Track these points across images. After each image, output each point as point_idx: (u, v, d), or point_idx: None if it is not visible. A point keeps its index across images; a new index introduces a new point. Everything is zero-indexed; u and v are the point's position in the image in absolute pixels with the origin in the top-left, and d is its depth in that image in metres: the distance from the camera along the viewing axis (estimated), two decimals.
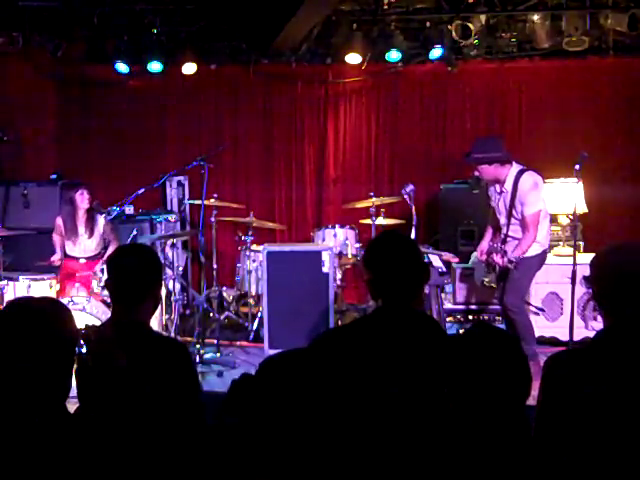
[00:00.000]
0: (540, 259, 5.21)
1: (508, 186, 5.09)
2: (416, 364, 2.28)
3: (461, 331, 6.11)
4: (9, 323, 1.95)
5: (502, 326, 5.76)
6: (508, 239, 5.17)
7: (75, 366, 2.06)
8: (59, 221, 6.01)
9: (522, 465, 1.82)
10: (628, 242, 2.32)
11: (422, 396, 2.23)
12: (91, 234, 6.00)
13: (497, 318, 6.06)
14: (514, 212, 5.11)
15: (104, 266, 5.55)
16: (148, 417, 2.28)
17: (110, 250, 5.98)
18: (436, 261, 5.31)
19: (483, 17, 6.98)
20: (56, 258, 6.00)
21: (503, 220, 5.22)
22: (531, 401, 2.05)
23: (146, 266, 2.58)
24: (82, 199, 5.92)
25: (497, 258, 5.03)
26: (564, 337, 5.79)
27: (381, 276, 2.46)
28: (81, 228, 5.97)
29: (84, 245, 6.00)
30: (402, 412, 2.27)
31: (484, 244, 5.40)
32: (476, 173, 5.25)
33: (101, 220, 6.02)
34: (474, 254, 6.20)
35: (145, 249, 2.77)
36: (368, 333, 2.44)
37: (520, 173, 5.05)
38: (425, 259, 5.03)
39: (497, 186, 5.22)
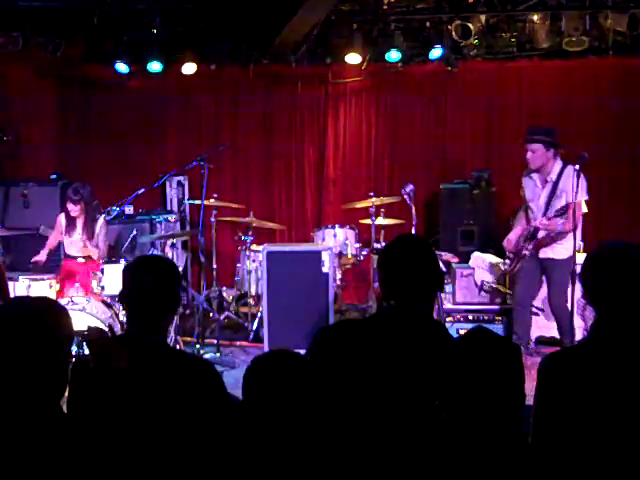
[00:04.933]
0: (573, 261, 5.30)
1: (554, 176, 5.22)
2: (417, 367, 2.28)
3: (462, 332, 6.11)
4: (2, 322, 1.94)
5: (501, 326, 5.79)
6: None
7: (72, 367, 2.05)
8: (61, 218, 5.97)
9: (514, 470, 1.82)
10: (619, 241, 2.32)
11: (419, 399, 2.23)
12: (91, 238, 5.85)
13: (497, 318, 6.06)
14: (555, 202, 5.21)
15: (104, 266, 5.56)
16: (169, 430, 2.21)
17: (100, 252, 5.85)
18: None
19: (483, 17, 6.99)
20: (38, 258, 5.86)
21: (539, 215, 5.32)
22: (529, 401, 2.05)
23: (174, 283, 2.47)
24: (71, 210, 5.81)
25: (539, 221, 5.20)
26: None
27: (392, 277, 2.46)
28: (79, 228, 5.92)
29: (83, 245, 5.93)
30: (400, 414, 2.27)
31: (512, 236, 5.52)
32: (528, 155, 5.26)
33: (99, 222, 5.91)
34: (474, 254, 6.20)
35: (169, 263, 2.62)
36: (373, 332, 2.44)
37: (565, 165, 5.23)
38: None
39: (537, 179, 5.34)
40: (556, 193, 5.23)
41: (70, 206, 5.79)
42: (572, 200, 5.05)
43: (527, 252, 5.39)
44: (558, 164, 5.27)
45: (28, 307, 2.01)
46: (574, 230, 5.00)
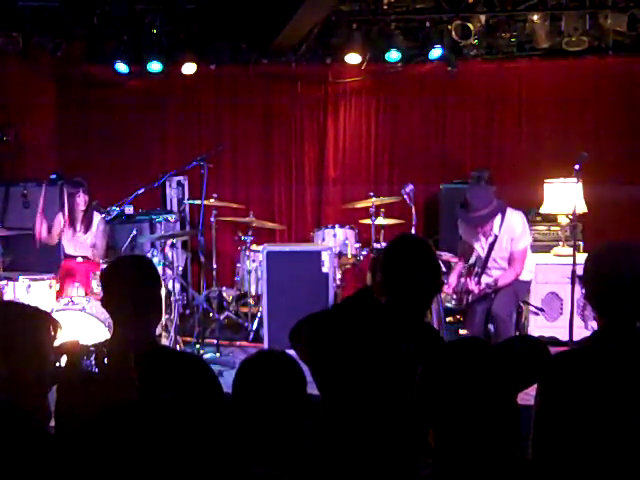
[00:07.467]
0: (529, 286, 5.41)
1: (496, 229, 5.00)
2: (398, 371, 2.26)
3: (462, 332, 6.12)
4: None
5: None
6: (487, 272, 5.11)
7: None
8: (59, 219, 5.97)
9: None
10: (620, 241, 2.32)
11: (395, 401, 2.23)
12: (86, 230, 5.92)
13: None
14: (498, 249, 5.05)
15: (104, 266, 5.56)
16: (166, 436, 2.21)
17: (95, 251, 5.89)
18: None
19: (483, 17, 7.00)
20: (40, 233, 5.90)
21: (481, 254, 5.14)
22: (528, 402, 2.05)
23: (151, 279, 2.46)
24: (80, 201, 5.86)
25: (471, 285, 5.01)
26: (564, 337, 5.79)
27: (391, 278, 2.44)
28: (78, 224, 5.94)
29: (80, 241, 5.95)
30: (374, 412, 2.26)
31: (453, 278, 5.31)
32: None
33: (97, 218, 5.97)
34: (474, 256, 6.19)
35: (146, 260, 2.64)
36: (358, 331, 2.43)
37: (503, 212, 4.99)
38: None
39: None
40: (502, 245, 5.02)
41: (80, 198, 5.84)
42: (516, 248, 4.99)
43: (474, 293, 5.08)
44: (497, 218, 4.97)
45: (11, 313, 1.99)
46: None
